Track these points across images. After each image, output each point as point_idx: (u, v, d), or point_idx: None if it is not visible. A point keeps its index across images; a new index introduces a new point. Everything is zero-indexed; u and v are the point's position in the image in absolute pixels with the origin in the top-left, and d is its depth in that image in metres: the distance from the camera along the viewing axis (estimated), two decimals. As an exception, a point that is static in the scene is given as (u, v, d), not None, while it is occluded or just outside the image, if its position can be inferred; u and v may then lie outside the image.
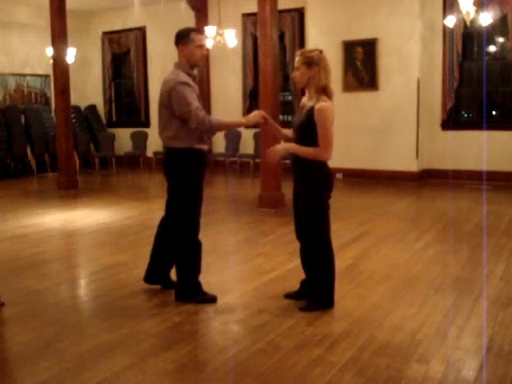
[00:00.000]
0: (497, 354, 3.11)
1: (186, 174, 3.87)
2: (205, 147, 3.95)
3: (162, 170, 4.01)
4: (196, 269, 4.01)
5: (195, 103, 3.74)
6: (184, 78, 3.80)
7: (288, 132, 3.94)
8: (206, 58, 3.92)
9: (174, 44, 3.93)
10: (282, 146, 3.78)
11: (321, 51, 3.70)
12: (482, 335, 3.36)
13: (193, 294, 3.99)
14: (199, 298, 3.98)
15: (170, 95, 3.75)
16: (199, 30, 4.04)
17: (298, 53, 3.77)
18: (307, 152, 3.64)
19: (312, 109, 3.63)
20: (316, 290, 3.84)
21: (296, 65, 3.71)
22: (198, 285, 4.02)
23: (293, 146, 3.72)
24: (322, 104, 3.60)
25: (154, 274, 4.22)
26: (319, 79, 3.64)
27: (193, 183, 3.89)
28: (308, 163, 3.67)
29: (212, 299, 4.00)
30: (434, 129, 9.82)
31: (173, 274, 4.21)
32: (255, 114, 3.87)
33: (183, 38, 3.87)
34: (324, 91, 3.65)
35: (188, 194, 3.89)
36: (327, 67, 3.66)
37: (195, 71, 3.96)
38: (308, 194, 3.73)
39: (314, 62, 3.63)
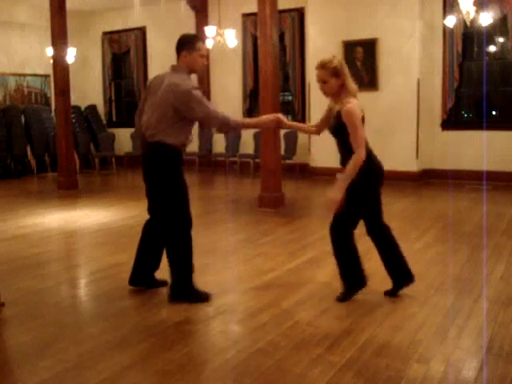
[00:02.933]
0: (497, 354, 3.11)
1: (174, 170, 3.90)
2: (184, 148, 4.02)
3: (143, 166, 4.00)
4: (191, 267, 4.02)
5: (212, 106, 3.85)
6: (192, 82, 3.89)
7: (312, 125, 4.09)
8: (206, 59, 3.96)
9: (175, 47, 3.95)
10: (336, 190, 3.71)
11: (337, 58, 3.83)
12: (482, 335, 3.36)
13: (188, 293, 3.99)
14: (194, 297, 3.98)
15: (184, 100, 3.77)
16: (203, 40, 4.13)
17: (319, 65, 3.79)
18: (353, 168, 3.69)
19: (339, 112, 3.75)
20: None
21: (323, 78, 3.77)
22: (192, 283, 4.03)
23: (342, 181, 3.70)
24: (348, 106, 3.70)
25: (140, 276, 4.24)
26: (347, 85, 3.76)
27: (179, 179, 3.93)
28: (362, 171, 3.73)
29: (206, 297, 4.01)
30: (434, 129, 9.82)
31: (158, 274, 4.22)
32: (269, 118, 4.04)
33: (189, 44, 3.91)
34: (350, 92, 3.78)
35: (177, 190, 3.91)
36: (348, 70, 3.79)
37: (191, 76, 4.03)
38: (353, 191, 3.78)
39: (339, 71, 3.75)
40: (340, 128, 3.76)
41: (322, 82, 3.78)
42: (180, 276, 3.99)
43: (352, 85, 3.79)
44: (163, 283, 4.22)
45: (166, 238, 4.01)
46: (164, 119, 3.84)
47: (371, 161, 3.83)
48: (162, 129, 3.85)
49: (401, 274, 4.07)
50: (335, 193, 3.72)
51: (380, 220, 4.04)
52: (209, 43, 8.95)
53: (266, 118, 4.16)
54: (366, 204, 3.90)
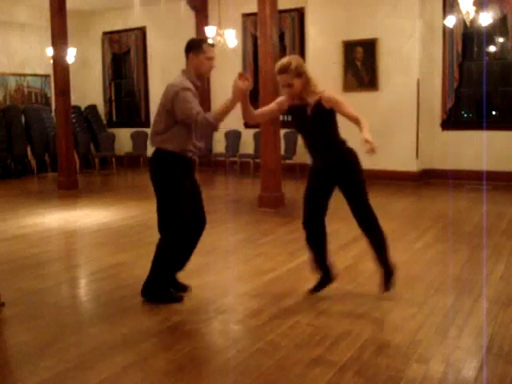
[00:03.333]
0: (497, 354, 3.11)
1: (174, 177, 3.87)
2: (192, 155, 3.96)
3: (149, 172, 4.01)
4: (170, 271, 4.00)
5: (197, 108, 3.76)
6: (188, 84, 3.84)
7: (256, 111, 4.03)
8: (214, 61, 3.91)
9: (177, 49, 3.94)
10: (369, 138, 3.60)
11: (294, 57, 3.82)
12: (482, 335, 3.36)
13: (160, 292, 3.98)
14: (164, 298, 3.97)
15: (173, 100, 3.78)
16: (211, 43, 4.08)
17: (280, 70, 3.74)
18: (367, 125, 3.68)
19: (316, 104, 3.76)
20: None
21: (287, 81, 3.74)
22: (167, 284, 4.01)
23: (367, 134, 3.61)
24: (327, 92, 3.77)
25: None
26: (312, 79, 3.79)
27: (180, 186, 3.88)
28: (340, 152, 3.83)
29: (178, 299, 3.98)
30: (434, 129, 9.82)
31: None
32: (236, 87, 3.75)
33: (195, 47, 3.91)
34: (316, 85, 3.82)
35: (176, 198, 3.88)
36: (306, 66, 3.83)
37: (199, 82, 3.97)
38: (358, 174, 3.88)
39: (300, 70, 3.75)
40: (322, 118, 3.78)
41: (288, 85, 3.76)
42: (157, 275, 3.96)
43: (314, 79, 3.81)
44: (186, 288, 4.21)
45: (161, 237, 3.98)
46: (161, 124, 3.87)
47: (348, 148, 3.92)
48: (159, 134, 3.87)
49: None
50: (370, 142, 3.58)
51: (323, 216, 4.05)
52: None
53: (233, 89, 3.79)
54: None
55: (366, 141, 3.52)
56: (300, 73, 3.74)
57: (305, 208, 4.02)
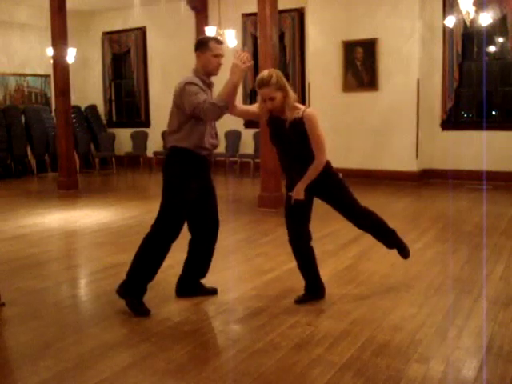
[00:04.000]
0: (497, 354, 3.11)
1: (183, 174, 3.82)
2: (207, 153, 3.91)
3: (162, 169, 3.99)
4: (149, 275, 3.89)
5: (203, 97, 3.68)
6: (195, 80, 3.81)
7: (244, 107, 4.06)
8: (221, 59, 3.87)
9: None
10: (297, 191, 3.75)
11: (274, 71, 3.73)
12: (482, 335, 3.36)
13: (133, 295, 3.85)
14: (133, 303, 3.83)
15: (181, 95, 3.76)
16: (219, 40, 4.03)
17: (261, 84, 3.67)
18: (314, 172, 3.72)
19: (296, 121, 3.68)
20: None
21: (270, 95, 3.64)
22: (142, 290, 3.88)
23: (303, 182, 3.73)
24: (309, 110, 3.72)
25: (187, 285, 4.17)
26: (290, 94, 3.70)
27: (184, 186, 3.82)
28: (322, 175, 3.76)
29: (144, 312, 3.80)
30: (434, 129, 9.82)
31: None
32: (236, 66, 3.73)
33: (202, 45, 3.90)
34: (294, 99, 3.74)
35: (177, 194, 3.82)
36: (285, 80, 3.74)
37: (208, 80, 3.93)
38: (333, 179, 3.88)
39: (281, 84, 3.66)
40: (299, 136, 3.70)
41: (270, 99, 3.67)
42: (134, 276, 3.86)
43: (293, 93, 3.74)
44: (213, 291, 4.19)
45: (146, 236, 3.91)
46: (174, 123, 3.83)
47: (331, 166, 3.88)
48: (173, 133, 3.84)
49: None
50: (300, 190, 3.73)
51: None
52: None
53: (232, 68, 3.77)
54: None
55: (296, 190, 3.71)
56: (281, 86, 3.65)
57: (288, 225, 4.04)
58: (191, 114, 3.75)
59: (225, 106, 3.71)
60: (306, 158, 3.73)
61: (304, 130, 3.68)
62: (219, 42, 3.97)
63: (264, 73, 3.71)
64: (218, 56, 3.90)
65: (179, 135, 3.82)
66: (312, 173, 3.72)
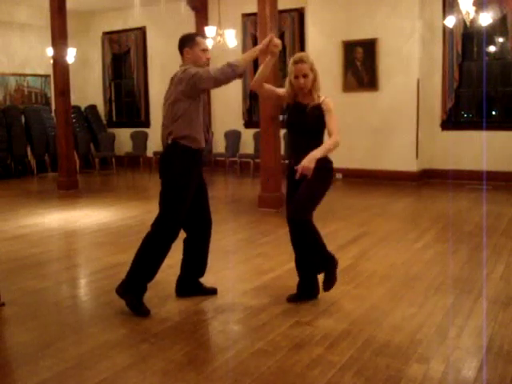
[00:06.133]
0: (497, 354, 3.12)
1: (181, 165, 3.79)
2: (199, 146, 3.88)
3: (159, 166, 3.93)
4: (149, 274, 3.88)
5: (213, 71, 3.69)
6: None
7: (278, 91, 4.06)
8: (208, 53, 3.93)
9: (177, 49, 3.94)
10: (310, 158, 3.60)
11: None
12: (482, 335, 3.36)
13: (132, 293, 3.84)
14: (133, 303, 3.83)
15: (185, 77, 3.72)
16: (202, 35, 4.07)
17: (300, 59, 3.78)
18: (329, 147, 3.69)
19: (317, 107, 3.79)
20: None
21: (305, 71, 3.77)
22: (142, 290, 3.87)
23: (317, 152, 3.63)
24: (328, 98, 3.83)
25: (186, 285, 4.16)
26: (319, 80, 3.86)
27: (185, 182, 3.81)
28: (321, 163, 3.67)
29: (144, 312, 3.78)
30: (434, 129, 9.82)
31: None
32: (276, 45, 3.80)
33: (189, 41, 3.89)
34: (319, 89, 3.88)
35: (177, 192, 3.81)
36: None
37: None
38: (318, 183, 3.78)
39: (314, 66, 3.84)
40: (316, 120, 3.78)
41: (304, 76, 3.78)
42: (135, 275, 3.85)
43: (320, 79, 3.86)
44: (213, 291, 4.19)
45: (147, 235, 3.90)
46: (168, 115, 3.80)
47: (332, 165, 3.88)
48: (167, 126, 3.81)
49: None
50: (310, 161, 3.58)
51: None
52: (209, 43, 8.93)
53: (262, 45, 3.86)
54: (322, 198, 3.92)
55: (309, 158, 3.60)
56: (313, 68, 3.82)
57: (287, 205, 4.01)
58: (199, 90, 3.74)
59: (241, 72, 3.73)
60: (318, 145, 3.73)
61: (321, 115, 3.76)
62: (204, 37, 4.07)
63: (301, 52, 3.87)
64: (205, 50, 3.94)
65: (172, 127, 3.77)
66: (329, 147, 3.67)
